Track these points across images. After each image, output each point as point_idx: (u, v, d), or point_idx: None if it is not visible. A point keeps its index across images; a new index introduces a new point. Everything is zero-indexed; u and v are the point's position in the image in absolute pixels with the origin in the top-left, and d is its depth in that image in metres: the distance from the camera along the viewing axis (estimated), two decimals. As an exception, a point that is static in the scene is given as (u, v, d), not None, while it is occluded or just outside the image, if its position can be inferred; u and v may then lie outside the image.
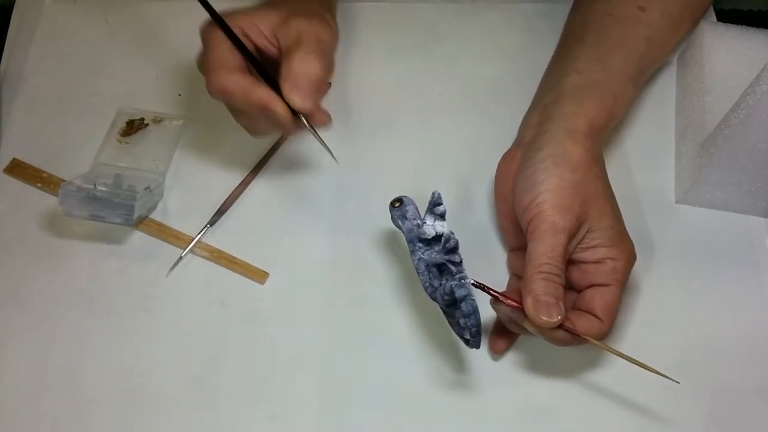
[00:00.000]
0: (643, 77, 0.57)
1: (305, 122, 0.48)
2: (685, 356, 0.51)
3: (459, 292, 0.42)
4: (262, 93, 0.47)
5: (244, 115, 0.50)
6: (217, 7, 0.48)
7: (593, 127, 0.49)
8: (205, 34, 0.48)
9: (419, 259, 0.44)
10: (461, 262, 0.44)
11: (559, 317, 0.43)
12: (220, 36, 0.48)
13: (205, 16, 0.48)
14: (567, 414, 0.49)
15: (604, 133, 0.51)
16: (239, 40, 0.48)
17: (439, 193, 0.46)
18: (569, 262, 0.47)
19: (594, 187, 0.47)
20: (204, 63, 0.48)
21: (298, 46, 0.47)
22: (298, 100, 0.46)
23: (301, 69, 0.46)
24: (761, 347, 0.52)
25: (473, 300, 0.42)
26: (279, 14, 0.49)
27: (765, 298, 0.54)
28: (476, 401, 0.49)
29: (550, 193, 0.45)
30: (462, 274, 0.43)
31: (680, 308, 0.53)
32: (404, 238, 0.46)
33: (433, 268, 0.44)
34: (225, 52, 0.47)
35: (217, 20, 0.48)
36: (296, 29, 0.48)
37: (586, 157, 0.47)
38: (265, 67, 0.49)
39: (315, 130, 0.49)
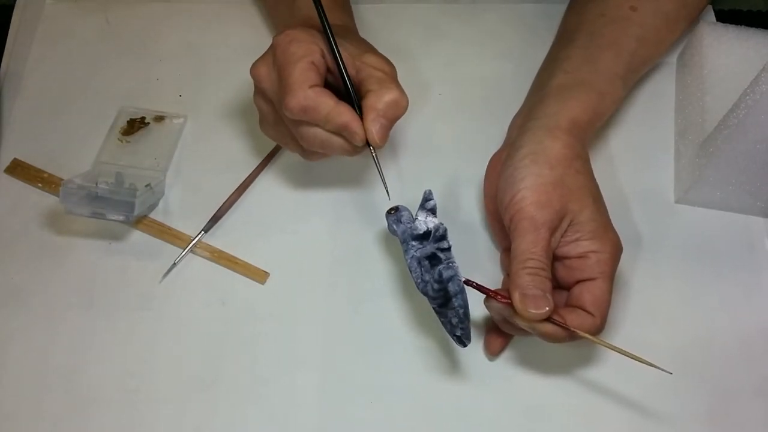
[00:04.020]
0: (635, 75, 0.58)
1: (372, 153, 0.48)
2: (683, 355, 0.51)
3: (446, 273, 0.44)
4: (347, 113, 0.46)
5: (307, 135, 0.48)
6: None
7: (576, 124, 0.50)
8: (284, 50, 0.47)
9: (411, 257, 0.46)
10: (450, 248, 0.46)
11: (548, 309, 0.43)
12: (301, 52, 0.47)
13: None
14: (564, 411, 0.49)
15: (590, 130, 0.52)
16: (340, 54, 0.48)
17: (429, 190, 0.48)
18: (554, 259, 0.47)
19: (575, 181, 0.47)
20: (287, 79, 0.46)
21: (388, 81, 0.47)
22: (378, 137, 0.47)
23: (389, 107, 0.47)
24: (760, 347, 0.52)
25: (460, 280, 0.44)
26: (356, 44, 0.50)
27: (764, 297, 0.54)
28: (475, 399, 0.50)
29: (529, 191, 0.46)
30: (450, 259, 0.45)
31: (679, 307, 0.53)
32: (399, 242, 0.48)
33: (425, 262, 0.45)
34: (309, 69, 0.46)
35: (328, 34, 0.47)
36: (376, 63, 0.48)
37: (566, 153, 0.48)
38: (356, 88, 0.48)
39: (379, 162, 0.49)
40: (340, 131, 0.47)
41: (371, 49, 0.50)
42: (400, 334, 0.52)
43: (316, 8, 0.47)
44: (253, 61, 0.49)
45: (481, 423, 0.49)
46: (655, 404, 0.49)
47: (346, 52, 0.48)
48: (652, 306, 0.53)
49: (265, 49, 0.49)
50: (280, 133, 0.51)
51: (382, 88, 0.47)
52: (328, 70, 0.48)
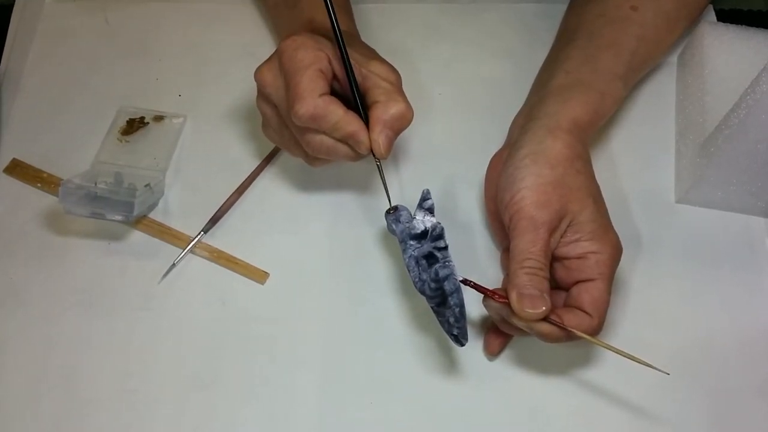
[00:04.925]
0: (636, 75, 0.58)
1: (377, 162, 0.49)
2: (683, 355, 0.51)
3: (442, 272, 0.45)
4: (355, 123, 0.47)
5: (312, 142, 0.48)
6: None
7: (577, 124, 0.50)
8: (292, 57, 0.47)
9: (410, 257, 0.46)
10: (446, 247, 0.46)
11: (545, 308, 0.43)
12: (309, 59, 0.46)
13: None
14: (563, 411, 0.49)
15: (591, 130, 0.52)
16: (350, 65, 0.48)
17: (427, 190, 0.49)
18: (554, 259, 0.47)
19: (575, 181, 0.47)
20: (296, 87, 0.46)
21: (395, 93, 0.48)
22: (383, 148, 0.48)
23: (395, 119, 0.47)
24: (760, 347, 0.52)
25: (455, 279, 0.45)
26: (361, 51, 0.50)
27: (764, 298, 0.54)
28: (474, 399, 0.49)
29: (528, 191, 0.46)
30: (447, 258, 0.46)
31: (679, 307, 0.53)
32: (398, 241, 0.48)
33: (422, 261, 0.46)
34: (317, 77, 0.46)
35: (339, 43, 0.47)
36: (382, 72, 0.49)
37: (567, 153, 0.48)
38: (362, 96, 0.49)
39: (382, 171, 0.50)
40: (346, 139, 0.48)
41: (376, 57, 0.51)
42: (399, 334, 0.52)
43: (330, 19, 0.47)
44: (257, 65, 0.49)
45: (481, 423, 0.49)
46: (654, 405, 0.49)
47: (352, 59, 0.48)
48: (651, 306, 0.53)
49: (264, 50, 0.49)
50: (283, 137, 0.51)
51: (390, 100, 0.47)
52: (334, 76, 0.48)
